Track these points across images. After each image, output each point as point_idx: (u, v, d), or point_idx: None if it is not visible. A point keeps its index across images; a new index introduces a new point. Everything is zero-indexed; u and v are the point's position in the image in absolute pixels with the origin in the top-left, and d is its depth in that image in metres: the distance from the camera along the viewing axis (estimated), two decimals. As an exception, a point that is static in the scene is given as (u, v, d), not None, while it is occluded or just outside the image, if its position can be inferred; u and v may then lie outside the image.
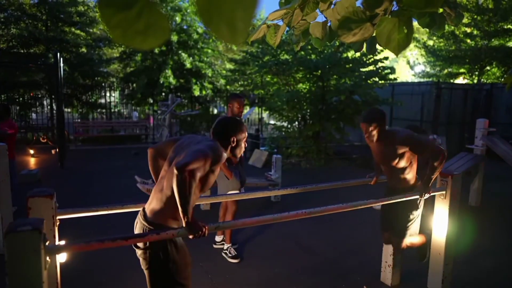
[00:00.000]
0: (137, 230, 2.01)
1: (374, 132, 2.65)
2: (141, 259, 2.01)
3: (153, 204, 1.95)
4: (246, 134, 2.13)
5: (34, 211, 1.87)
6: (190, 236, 1.82)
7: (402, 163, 2.69)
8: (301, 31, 1.74)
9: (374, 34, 1.45)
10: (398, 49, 1.22)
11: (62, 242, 1.83)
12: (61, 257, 1.96)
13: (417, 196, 2.63)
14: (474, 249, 4.00)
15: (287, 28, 1.76)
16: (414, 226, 2.83)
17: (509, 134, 8.92)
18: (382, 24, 1.18)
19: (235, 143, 2.06)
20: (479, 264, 3.70)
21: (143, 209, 2.00)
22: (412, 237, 2.89)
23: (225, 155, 1.97)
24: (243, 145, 2.12)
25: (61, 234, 2.04)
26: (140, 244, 1.97)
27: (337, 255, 3.88)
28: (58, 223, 1.99)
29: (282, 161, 7.67)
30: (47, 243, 1.53)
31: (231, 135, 2.04)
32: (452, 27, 13.91)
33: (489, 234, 4.54)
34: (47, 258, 1.54)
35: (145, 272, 2.00)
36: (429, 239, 2.96)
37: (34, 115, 12.81)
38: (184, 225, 1.79)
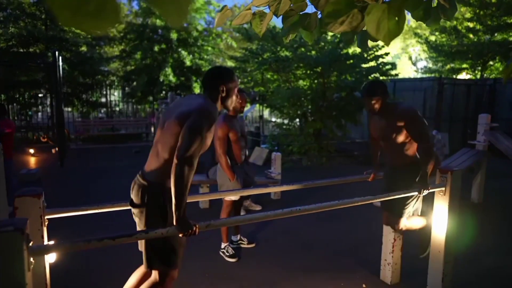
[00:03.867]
0: (133, 191, 2.00)
1: (377, 105, 2.61)
2: (137, 220, 2.00)
3: (151, 165, 1.96)
4: (238, 84, 2.06)
5: (21, 211, 1.83)
6: (180, 235, 1.79)
7: (401, 138, 2.64)
8: (290, 22, 1.68)
9: (364, 28, 1.40)
10: (389, 38, 1.16)
11: (52, 243, 1.80)
12: (50, 258, 1.93)
13: (416, 193, 2.57)
14: (476, 247, 3.93)
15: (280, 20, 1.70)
16: (412, 206, 2.77)
17: (512, 130, 8.81)
18: (371, 11, 1.13)
19: (225, 92, 1.99)
20: (481, 262, 3.63)
21: (141, 170, 2.01)
22: (411, 220, 2.82)
23: (217, 111, 1.94)
24: (234, 96, 2.05)
25: (58, 233, 2.01)
26: (137, 201, 1.95)
27: (336, 253, 3.82)
28: (47, 223, 1.95)
29: (283, 158, 7.61)
30: (30, 244, 1.49)
31: (220, 83, 1.97)
32: (455, 22, 13.78)
33: (491, 231, 4.47)
34: (31, 259, 1.50)
35: None
36: (430, 234, 2.89)
37: (34, 114, 12.82)
38: (174, 222, 1.76)
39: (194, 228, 1.79)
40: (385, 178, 2.95)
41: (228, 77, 2.00)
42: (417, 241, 3.16)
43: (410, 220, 2.84)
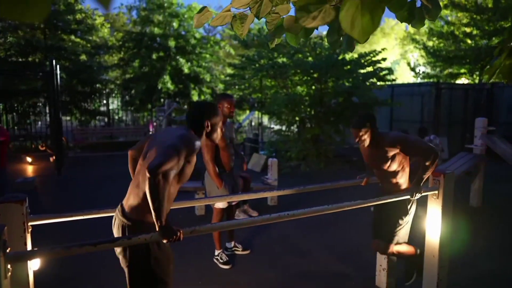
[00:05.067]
0: (115, 227, 1.95)
1: (365, 137, 2.60)
2: (120, 257, 1.94)
3: (130, 199, 1.90)
4: (221, 117, 2.07)
5: (3, 217, 1.80)
6: (164, 241, 1.76)
7: (394, 166, 2.64)
8: (274, 25, 1.66)
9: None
10: (363, 35, 1.13)
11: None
12: (34, 265, 1.89)
13: (408, 196, 2.54)
14: (474, 251, 3.89)
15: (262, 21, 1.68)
16: (402, 233, 2.75)
17: (511, 134, 8.76)
18: (344, 7, 1.11)
19: (209, 127, 2.00)
20: (479, 266, 3.58)
21: (121, 205, 1.95)
22: (400, 245, 2.79)
23: (199, 143, 1.90)
24: (219, 129, 2.06)
25: (51, 241, 1.98)
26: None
27: (332, 259, 3.78)
28: (30, 229, 1.92)
29: (281, 164, 7.54)
30: (8, 250, 1.46)
31: (205, 119, 1.98)
32: (452, 27, 13.82)
33: (489, 235, 4.42)
34: (8, 266, 1.47)
35: (125, 269, 1.93)
36: (422, 259, 2.85)
37: (33, 123, 12.82)
38: (157, 229, 1.73)
39: (179, 234, 1.75)
40: (377, 205, 2.93)
41: (213, 112, 2.01)
42: (404, 268, 3.09)
43: (398, 248, 2.80)
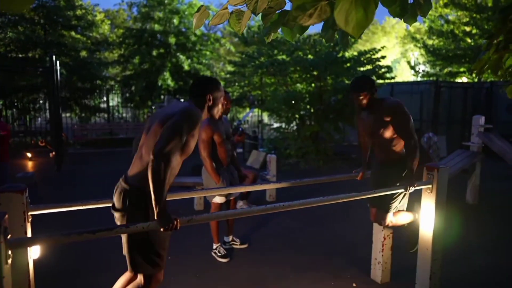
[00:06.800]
0: (116, 193, 2.01)
1: (365, 101, 2.64)
2: (118, 224, 1.98)
3: (134, 169, 1.97)
4: (223, 93, 2.12)
5: (4, 206, 1.84)
6: (161, 229, 1.79)
7: (389, 133, 2.68)
8: (270, 20, 1.70)
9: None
10: (358, 30, 1.16)
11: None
12: (34, 254, 1.93)
13: (402, 190, 2.58)
14: (468, 247, 3.93)
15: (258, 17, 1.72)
16: (399, 201, 2.78)
17: (510, 133, 8.79)
18: (339, 3, 1.14)
19: (211, 101, 2.03)
20: (473, 262, 3.62)
21: (125, 175, 2.01)
22: (398, 216, 2.83)
23: (201, 115, 1.96)
24: (220, 104, 2.09)
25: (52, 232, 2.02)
26: (118, 205, 1.95)
27: (328, 253, 3.82)
28: (30, 219, 1.96)
29: (280, 162, 7.57)
30: (8, 237, 1.50)
31: (206, 93, 2.02)
32: (452, 26, 13.85)
33: (484, 232, 4.46)
34: (9, 252, 1.51)
35: (123, 238, 1.98)
36: (418, 229, 2.89)
37: (34, 119, 12.84)
38: (156, 216, 1.77)
39: (175, 222, 1.79)
40: (373, 174, 2.96)
41: (215, 86, 2.05)
42: (407, 238, 3.16)
43: (396, 216, 2.84)
